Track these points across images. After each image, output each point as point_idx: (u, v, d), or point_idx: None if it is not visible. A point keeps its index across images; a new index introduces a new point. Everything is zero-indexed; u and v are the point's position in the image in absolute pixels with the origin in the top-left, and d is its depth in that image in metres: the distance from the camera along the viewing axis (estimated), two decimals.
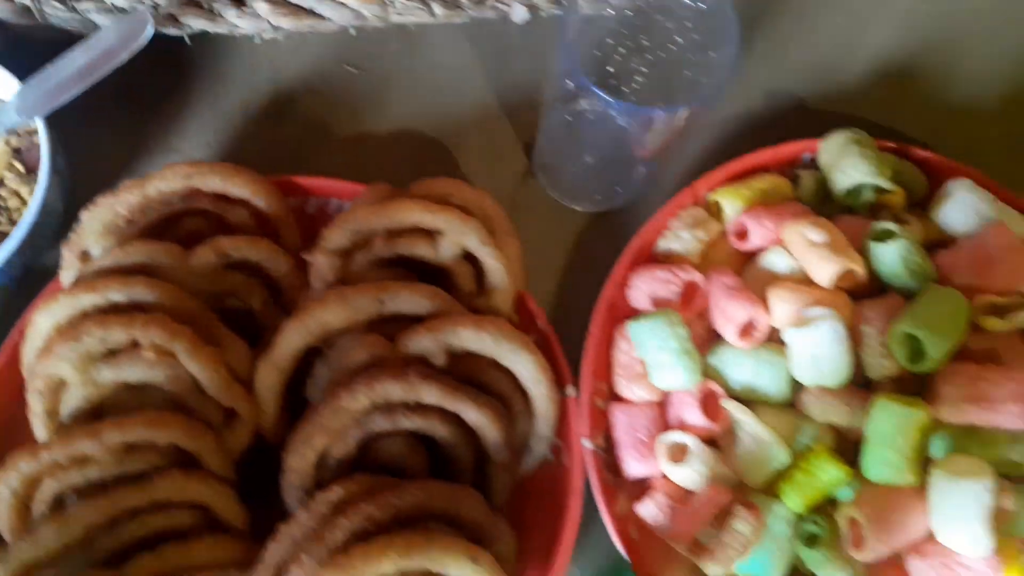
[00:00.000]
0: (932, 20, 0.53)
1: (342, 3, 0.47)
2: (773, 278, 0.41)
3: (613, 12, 0.40)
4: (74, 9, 0.43)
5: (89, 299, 0.37)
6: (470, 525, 0.37)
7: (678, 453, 0.40)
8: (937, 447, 0.38)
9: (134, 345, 0.37)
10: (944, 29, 0.53)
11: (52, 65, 0.41)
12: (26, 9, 0.43)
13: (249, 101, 0.49)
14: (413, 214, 0.40)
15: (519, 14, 0.48)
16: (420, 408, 0.38)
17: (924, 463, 0.38)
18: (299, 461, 0.37)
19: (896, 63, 0.52)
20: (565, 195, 0.47)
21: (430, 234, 0.40)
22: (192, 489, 0.36)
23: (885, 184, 0.42)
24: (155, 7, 0.44)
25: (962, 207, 0.42)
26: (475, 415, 0.38)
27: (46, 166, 0.39)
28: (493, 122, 0.48)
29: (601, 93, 0.34)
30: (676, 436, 0.40)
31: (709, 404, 0.41)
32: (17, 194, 0.42)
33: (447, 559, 0.35)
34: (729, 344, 0.41)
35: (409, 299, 0.39)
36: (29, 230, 0.39)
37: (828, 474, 0.38)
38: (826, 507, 0.39)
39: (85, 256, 0.40)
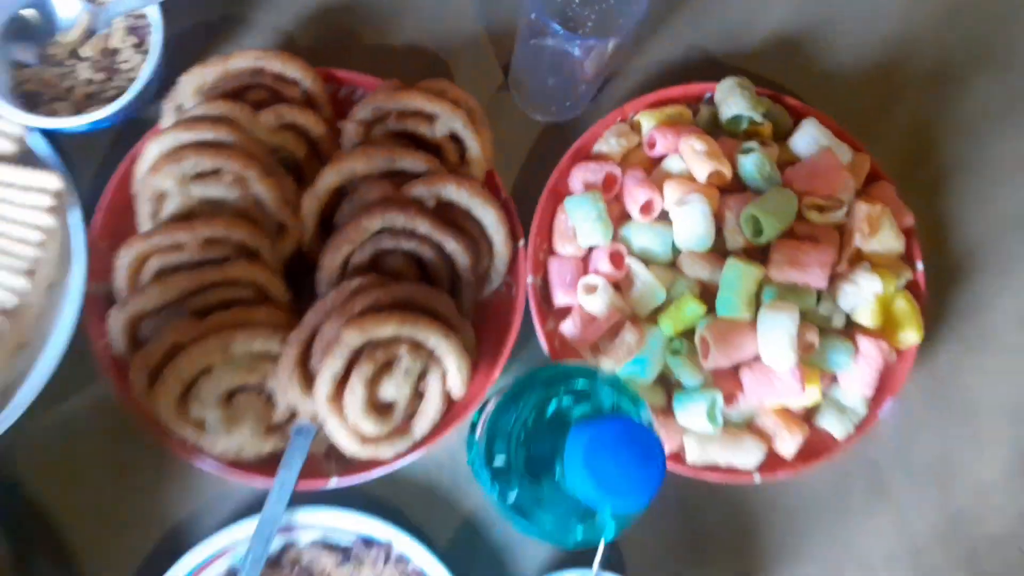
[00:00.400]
0: (818, 4, 0.70)
1: None
2: (669, 176, 0.58)
3: None
4: None
5: (187, 135, 0.52)
6: (444, 318, 0.54)
7: (591, 290, 0.57)
8: (766, 295, 0.56)
9: (216, 172, 0.53)
10: (827, 11, 0.69)
11: None
12: None
13: (300, 10, 0.64)
14: (417, 101, 0.55)
15: None
16: (415, 236, 0.54)
17: (756, 306, 0.56)
18: (330, 261, 0.53)
19: (787, 33, 0.68)
20: (529, 107, 0.63)
21: (429, 117, 0.56)
22: (253, 272, 0.52)
23: (756, 117, 0.59)
24: None
25: (807, 137, 0.59)
26: (453, 246, 0.54)
27: (159, 39, 0.54)
28: (481, 45, 0.64)
29: (554, 25, 0.50)
30: (591, 279, 0.57)
31: (616, 259, 0.57)
32: (129, 61, 0.56)
33: (428, 332, 0.51)
34: (634, 220, 0.58)
35: (412, 160, 0.55)
36: (143, 86, 0.54)
37: (692, 310, 0.56)
38: (689, 333, 0.57)
39: (180, 109, 0.55)
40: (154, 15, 0.55)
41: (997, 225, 0.66)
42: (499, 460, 0.41)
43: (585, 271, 0.58)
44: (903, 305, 0.58)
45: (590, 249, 0.58)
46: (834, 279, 0.56)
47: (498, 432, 0.39)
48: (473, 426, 0.56)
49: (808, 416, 0.58)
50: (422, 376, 0.53)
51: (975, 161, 0.67)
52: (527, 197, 0.60)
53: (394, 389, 0.52)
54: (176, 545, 0.54)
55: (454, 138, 0.57)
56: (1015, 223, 0.66)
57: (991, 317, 0.64)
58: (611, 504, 0.31)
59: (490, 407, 0.42)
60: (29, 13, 0.56)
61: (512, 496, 0.40)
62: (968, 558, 0.61)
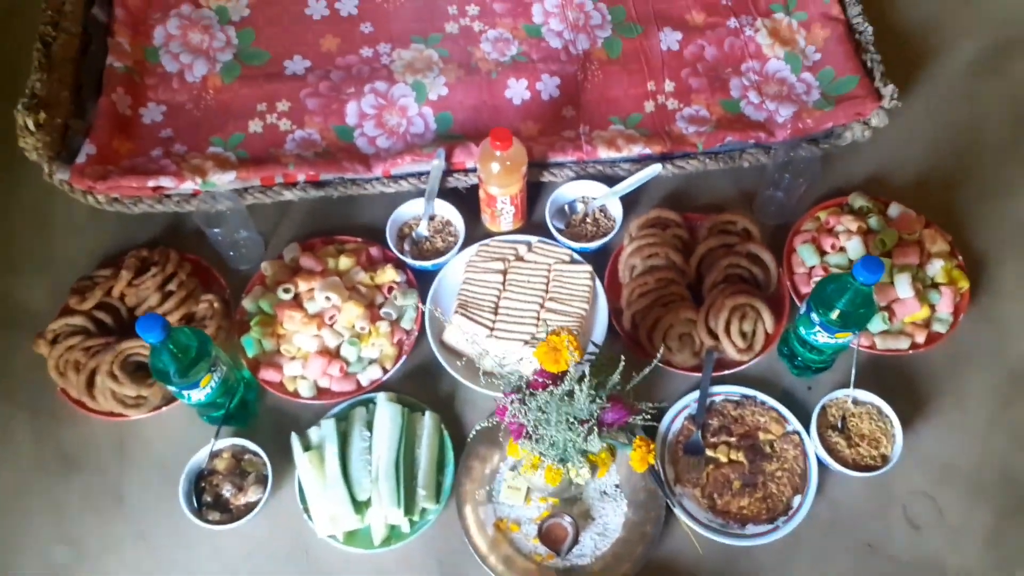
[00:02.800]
0: (886, 157, 1.48)
1: None
2: (838, 233, 1.34)
3: None
4: None
5: (641, 242, 1.31)
6: (760, 297, 1.27)
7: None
8: (895, 270, 1.28)
9: (655, 254, 1.30)
10: (890, 159, 1.47)
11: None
12: None
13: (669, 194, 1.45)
14: (726, 216, 1.33)
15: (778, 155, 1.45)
16: (740, 266, 1.29)
17: (892, 275, 1.27)
18: (709, 280, 1.28)
19: (875, 172, 1.46)
20: (767, 218, 1.41)
21: (734, 222, 1.34)
22: (678, 289, 1.28)
23: (869, 205, 1.35)
24: None
25: (893, 210, 1.34)
26: (756, 269, 1.30)
27: (620, 213, 1.35)
28: (738, 195, 1.43)
29: (786, 177, 1.28)
30: (815, 278, 1.31)
31: (825, 269, 1.31)
32: (604, 221, 1.37)
33: (755, 302, 1.25)
34: (828, 252, 1.32)
35: (731, 239, 1.32)
36: (615, 232, 1.34)
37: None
38: None
39: (630, 235, 1.34)
40: (615, 208, 1.36)
41: (1001, 242, 1.38)
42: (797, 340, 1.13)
43: (811, 277, 1.32)
44: (956, 272, 1.30)
45: (811, 268, 1.32)
46: (922, 263, 1.29)
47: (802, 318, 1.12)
48: (781, 343, 1.28)
49: (926, 325, 1.28)
50: (755, 322, 1.26)
51: (979, 216, 1.41)
52: (775, 251, 1.35)
53: (746, 327, 1.25)
54: (666, 407, 1.25)
55: (745, 230, 1.34)
56: (1006, 245, 1.38)
57: (1000, 283, 1.35)
58: (868, 281, 1.02)
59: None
60: (565, 207, 1.38)
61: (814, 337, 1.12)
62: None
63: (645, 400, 1.01)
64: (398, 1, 1.58)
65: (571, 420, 0.93)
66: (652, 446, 0.95)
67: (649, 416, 0.98)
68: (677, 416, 1.24)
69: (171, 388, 1.11)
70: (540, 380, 0.96)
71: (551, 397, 0.93)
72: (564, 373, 0.95)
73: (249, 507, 1.17)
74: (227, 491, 1.18)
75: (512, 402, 0.96)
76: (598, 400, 0.93)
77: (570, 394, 0.93)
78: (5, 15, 1.61)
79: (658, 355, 1.04)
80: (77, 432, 1.27)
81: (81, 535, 1.20)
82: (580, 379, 0.92)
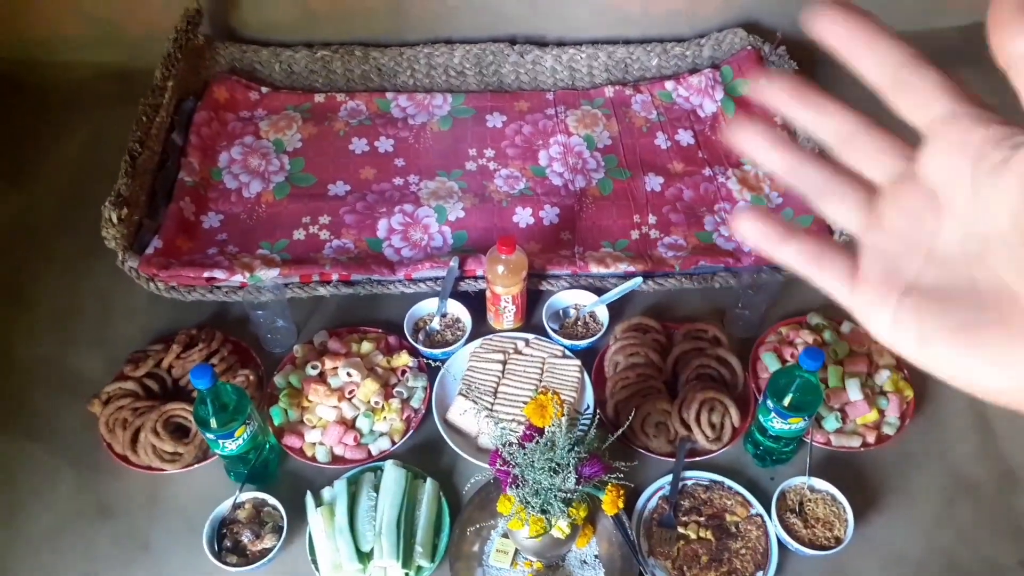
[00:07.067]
0: None
1: None
2: (796, 344, 1.53)
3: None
4: None
5: (624, 342, 1.50)
6: (727, 393, 1.45)
7: None
8: (847, 376, 1.46)
9: (636, 352, 1.49)
10: None
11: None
12: None
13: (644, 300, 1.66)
14: (699, 325, 1.54)
15: None
16: (710, 367, 1.48)
17: (844, 382, 1.45)
18: (683, 377, 1.46)
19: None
20: (737, 332, 1.60)
21: (705, 331, 1.53)
22: (656, 382, 1.46)
23: (824, 323, 1.55)
24: None
25: (846, 327, 1.54)
26: (726, 373, 1.48)
27: (606, 315, 1.55)
28: (707, 312, 1.64)
29: (752, 297, 1.50)
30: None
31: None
32: (592, 324, 1.57)
33: (723, 397, 1.42)
34: (787, 359, 1.51)
35: (702, 343, 1.51)
36: (603, 331, 1.54)
37: (822, 389, 1.46)
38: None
39: (615, 336, 1.54)
40: (603, 314, 1.57)
41: None
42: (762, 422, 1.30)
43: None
44: (902, 383, 1.47)
45: (773, 372, 1.51)
46: (871, 372, 1.47)
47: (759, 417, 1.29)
48: (746, 438, 1.45)
49: (876, 426, 1.44)
50: (723, 415, 1.43)
51: None
52: (743, 359, 1.54)
53: (715, 418, 1.42)
54: (641, 489, 1.39)
55: (715, 337, 1.53)
56: None
57: (944, 394, 1.52)
58: (811, 368, 1.20)
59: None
60: (559, 312, 1.59)
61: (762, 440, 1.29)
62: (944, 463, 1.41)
63: (628, 480, 1.16)
64: (427, 143, 1.88)
65: (553, 465, 1.09)
66: (622, 492, 1.10)
67: (622, 475, 1.13)
68: (653, 496, 1.38)
69: (208, 436, 1.27)
70: (529, 433, 1.13)
71: (536, 445, 1.09)
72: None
73: (264, 553, 1.30)
74: (246, 537, 1.31)
75: (505, 445, 1.12)
76: (576, 449, 1.09)
77: (553, 444, 1.10)
78: (96, 136, 1.91)
79: (626, 423, 1.21)
80: (115, 484, 1.41)
81: (106, 575, 1.33)
82: (561, 427, 1.09)
